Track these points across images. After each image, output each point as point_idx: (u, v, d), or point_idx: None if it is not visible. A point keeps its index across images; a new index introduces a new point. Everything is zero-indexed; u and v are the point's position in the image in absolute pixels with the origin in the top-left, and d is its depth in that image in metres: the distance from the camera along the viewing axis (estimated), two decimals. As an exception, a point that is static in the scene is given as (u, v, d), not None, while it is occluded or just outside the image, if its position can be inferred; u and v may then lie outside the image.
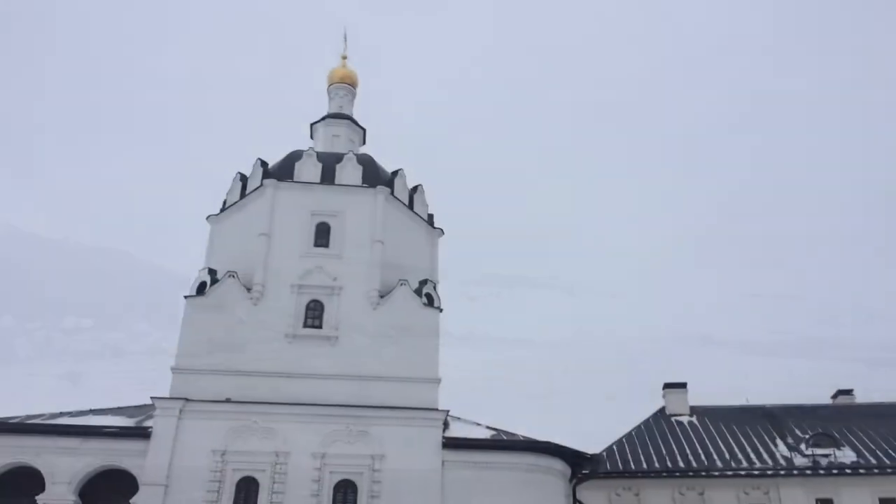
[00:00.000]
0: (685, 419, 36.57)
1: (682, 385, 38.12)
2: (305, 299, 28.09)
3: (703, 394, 40.04)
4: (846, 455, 32.15)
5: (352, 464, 25.18)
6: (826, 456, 32.07)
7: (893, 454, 32.04)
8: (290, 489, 24.49)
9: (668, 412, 37.33)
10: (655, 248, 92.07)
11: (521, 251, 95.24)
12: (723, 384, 67.93)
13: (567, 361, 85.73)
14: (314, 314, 27.98)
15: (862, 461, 31.74)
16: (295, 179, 30.56)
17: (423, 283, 29.34)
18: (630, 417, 37.20)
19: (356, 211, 29.90)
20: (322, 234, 29.49)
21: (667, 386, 38.32)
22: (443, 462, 25.55)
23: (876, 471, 31.12)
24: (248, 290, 27.93)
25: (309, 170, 30.86)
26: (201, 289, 28.21)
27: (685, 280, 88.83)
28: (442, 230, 32.96)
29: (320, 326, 27.70)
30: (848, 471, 31.27)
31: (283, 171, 30.98)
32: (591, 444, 33.55)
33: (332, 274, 28.51)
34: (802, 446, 32.87)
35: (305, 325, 27.69)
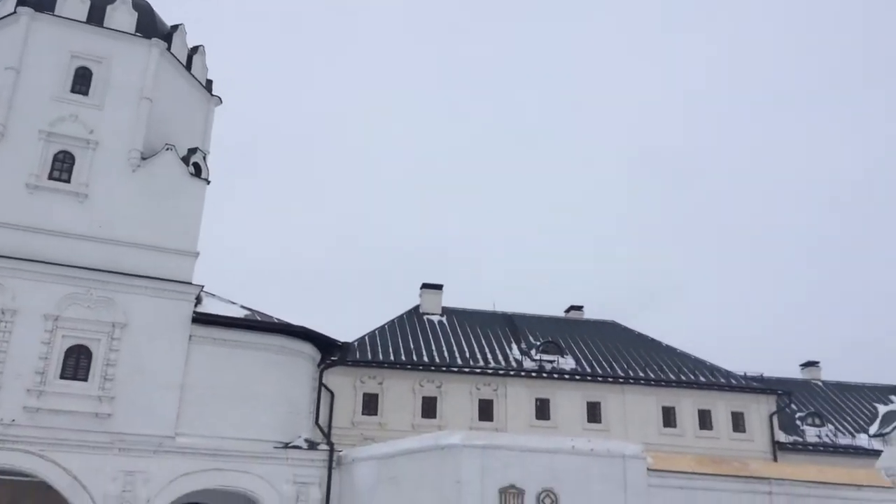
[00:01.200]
0: (436, 318, 38.95)
1: (439, 287, 40.37)
2: (54, 149, 25.43)
3: (460, 295, 42.78)
4: (567, 363, 36.29)
5: (89, 329, 23.82)
6: (551, 362, 35.97)
7: (605, 364, 36.74)
8: (14, 349, 22.71)
9: (422, 311, 39.50)
10: (434, 161, 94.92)
11: (307, 146, 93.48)
12: (480, 290, 73.57)
13: (344, 261, 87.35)
14: (63, 166, 25.45)
15: (578, 369, 36.00)
16: (56, 13, 27.02)
17: (193, 151, 27.71)
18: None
19: (125, 61, 27.22)
20: (82, 80, 26.60)
21: (424, 286, 40.37)
22: (190, 337, 25.04)
23: (588, 378, 35.48)
24: (-15, 128, 24.68)
25: (74, 5, 27.34)
26: (-76, 118, 24.46)
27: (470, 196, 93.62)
28: (220, 99, 31.10)
29: (68, 181, 25.30)
30: (566, 376, 35.33)
31: (42, 1, 27.21)
32: (355, 336, 34.93)
33: (89, 126, 25.98)
34: (532, 352, 36.57)
35: (51, 178, 25.14)
